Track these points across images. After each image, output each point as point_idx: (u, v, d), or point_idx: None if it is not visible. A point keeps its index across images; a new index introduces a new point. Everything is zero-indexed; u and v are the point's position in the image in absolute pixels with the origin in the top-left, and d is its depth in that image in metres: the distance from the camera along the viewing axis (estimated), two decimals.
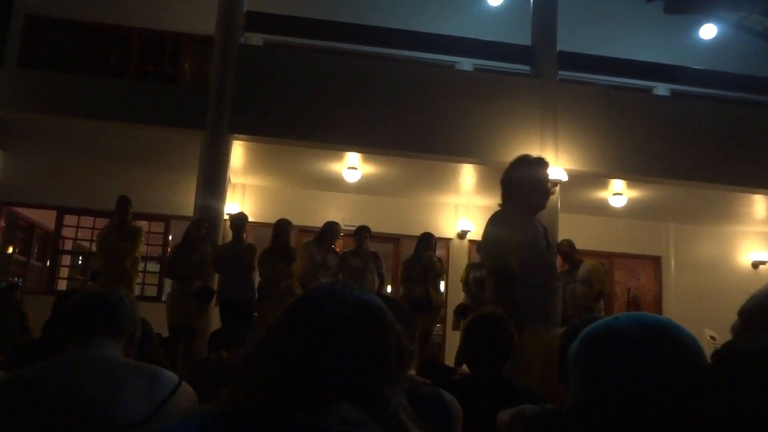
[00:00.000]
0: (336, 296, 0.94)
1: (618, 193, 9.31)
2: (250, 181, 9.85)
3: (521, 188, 3.43)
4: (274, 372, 0.88)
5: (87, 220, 9.60)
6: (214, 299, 6.79)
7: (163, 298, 8.52)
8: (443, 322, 9.10)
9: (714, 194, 9.21)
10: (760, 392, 0.86)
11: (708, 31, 11.86)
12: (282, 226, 6.97)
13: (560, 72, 8.68)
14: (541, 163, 3.47)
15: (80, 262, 10.81)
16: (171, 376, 1.60)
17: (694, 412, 0.90)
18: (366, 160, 8.58)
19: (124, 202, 6.95)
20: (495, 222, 3.44)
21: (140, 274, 7.97)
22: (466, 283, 7.61)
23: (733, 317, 1.37)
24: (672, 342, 0.98)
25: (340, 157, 8.57)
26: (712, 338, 8.75)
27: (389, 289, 9.97)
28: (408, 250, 8.13)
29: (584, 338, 1.03)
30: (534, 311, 3.19)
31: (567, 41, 8.77)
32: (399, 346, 0.95)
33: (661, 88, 10.16)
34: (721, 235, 11.06)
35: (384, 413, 0.86)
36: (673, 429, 0.91)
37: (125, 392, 1.50)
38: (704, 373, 0.95)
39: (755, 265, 11.02)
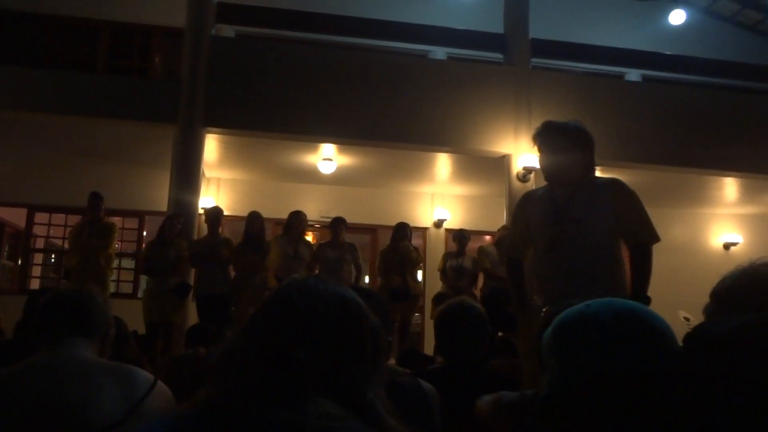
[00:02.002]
0: (310, 291, 0.93)
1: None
2: (225, 174, 9.77)
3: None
4: (250, 369, 0.87)
5: (59, 218, 9.46)
6: (191, 294, 6.74)
7: (139, 295, 8.43)
8: (422, 311, 9.14)
9: (686, 178, 9.34)
10: (730, 373, 0.87)
11: (677, 17, 12.00)
12: (253, 219, 6.93)
13: (533, 59, 8.71)
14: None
15: (53, 260, 10.65)
16: (146, 375, 1.58)
17: (666, 395, 0.91)
18: (341, 151, 8.55)
19: (95, 198, 6.86)
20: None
21: (115, 271, 7.87)
22: (443, 272, 7.64)
23: (706, 299, 1.39)
24: (643, 326, 0.99)
25: (315, 149, 8.53)
26: (686, 319, 8.89)
27: (367, 279, 9.97)
28: (385, 241, 8.13)
29: (557, 325, 1.04)
30: (532, 286, 3.21)
31: (539, 28, 8.80)
32: (375, 338, 0.95)
33: (633, 74, 10.26)
34: (693, 218, 11.24)
35: (361, 406, 0.86)
36: (646, 412, 0.92)
37: (99, 393, 1.48)
38: (675, 356, 0.96)
39: (726, 246, 11.22)
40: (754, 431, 0.84)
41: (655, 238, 3.10)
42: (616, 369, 0.95)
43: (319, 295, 0.93)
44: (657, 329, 0.99)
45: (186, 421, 0.84)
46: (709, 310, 1.35)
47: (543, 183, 8.70)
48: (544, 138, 3.13)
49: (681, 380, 0.91)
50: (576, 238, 3.03)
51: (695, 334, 0.97)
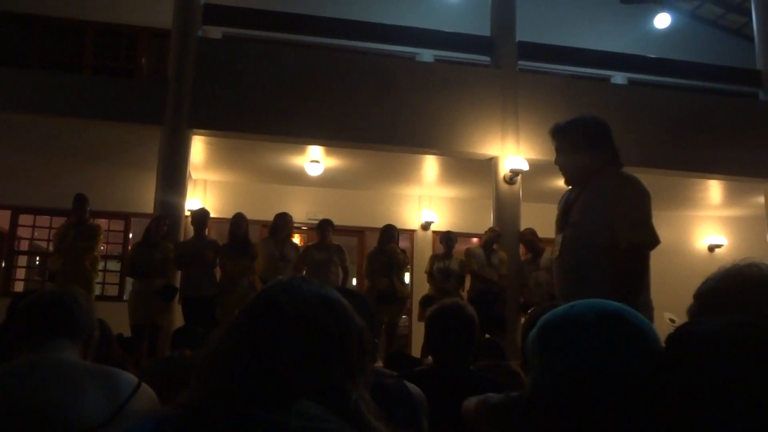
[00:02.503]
0: (294, 292, 0.93)
1: None
2: (212, 176, 9.73)
3: None
4: (234, 370, 0.87)
5: (43, 220, 9.38)
6: (177, 297, 6.70)
7: (125, 297, 8.38)
8: (409, 313, 9.14)
9: (671, 180, 9.40)
10: (712, 373, 0.88)
11: (663, 20, 12.11)
12: (238, 222, 6.91)
13: (520, 62, 8.75)
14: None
15: (37, 262, 10.56)
16: (130, 377, 1.57)
17: (649, 395, 0.92)
18: (328, 153, 8.54)
19: (81, 200, 6.81)
20: None
21: (100, 273, 7.82)
22: (430, 274, 7.65)
23: (691, 301, 1.40)
24: (628, 328, 0.99)
25: (302, 151, 8.52)
26: (672, 321, 8.96)
27: (354, 281, 9.97)
28: (372, 243, 8.13)
29: (541, 326, 1.04)
30: None
31: (526, 31, 8.84)
32: (360, 340, 0.95)
33: (619, 77, 10.32)
34: (678, 221, 11.32)
35: (345, 408, 0.86)
36: (630, 413, 0.92)
37: (83, 396, 1.46)
38: (658, 356, 0.96)
39: (711, 248, 11.32)
40: (736, 429, 0.85)
41: (650, 240, 2.86)
42: (599, 369, 0.95)
43: (304, 296, 0.93)
44: (640, 330, 1.00)
45: (168, 423, 0.84)
46: (692, 311, 1.37)
47: (529, 185, 8.72)
48: (553, 141, 3.07)
49: (664, 380, 0.92)
50: (572, 243, 2.94)
51: (677, 335, 0.98)
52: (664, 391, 0.91)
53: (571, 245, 2.95)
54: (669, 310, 9.00)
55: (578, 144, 2.96)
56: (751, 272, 1.32)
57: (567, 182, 3.08)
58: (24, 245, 9.93)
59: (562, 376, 0.97)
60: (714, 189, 10.06)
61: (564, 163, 3.02)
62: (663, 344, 1.00)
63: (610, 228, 2.82)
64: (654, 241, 2.86)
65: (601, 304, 1.03)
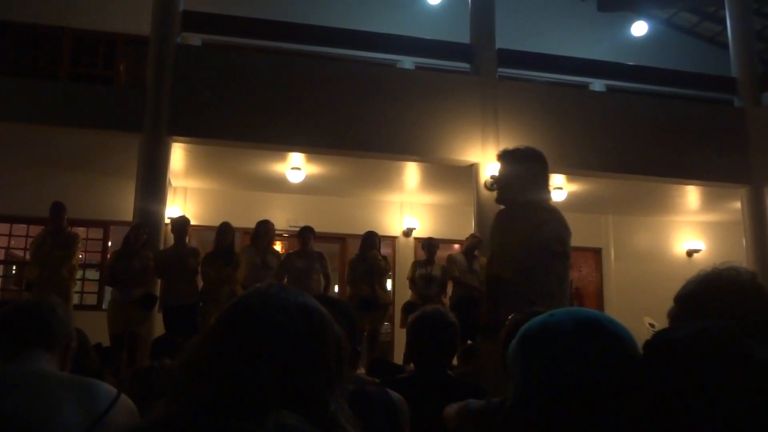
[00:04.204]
0: (271, 300, 0.92)
1: (558, 188, 9.51)
2: (192, 183, 9.67)
3: None
4: (210, 380, 0.86)
5: (20, 228, 9.24)
6: (157, 306, 6.64)
7: (104, 306, 8.28)
8: (391, 320, 9.14)
9: (649, 186, 9.52)
10: (688, 379, 0.89)
11: (639, 28, 12.28)
12: (224, 231, 6.87)
13: (499, 69, 8.81)
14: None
15: (14, 272, 10.40)
16: (108, 388, 1.55)
17: (628, 402, 0.92)
18: (309, 160, 8.52)
19: (58, 208, 6.73)
20: None
21: (78, 282, 7.72)
22: (412, 281, 7.65)
23: (671, 304, 1.41)
24: (606, 335, 1.00)
25: (283, 158, 8.49)
26: (651, 325, 9.04)
27: (336, 288, 9.94)
28: (354, 249, 8.12)
29: (521, 335, 1.05)
30: None
31: (505, 39, 8.90)
32: (338, 348, 0.94)
33: (597, 84, 10.43)
34: (657, 226, 11.44)
35: (323, 417, 0.85)
36: (610, 419, 0.93)
37: (60, 407, 1.44)
38: (636, 363, 0.97)
39: (690, 253, 11.44)
40: None
41: (494, 273, 3.17)
42: (578, 377, 0.96)
43: (281, 304, 0.92)
44: (617, 337, 1.01)
45: None
46: (673, 314, 1.38)
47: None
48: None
49: (642, 387, 0.93)
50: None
51: (654, 341, 0.98)
52: (643, 397, 0.91)
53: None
54: (650, 314, 9.13)
55: (509, 176, 3.42)
56: (730, 275, 1.34)
57: (498, 202, 3.55)
58: (0, 254, 9.79)
59: (542, 385, 0.98)
60: (692, 194, 10.19)
61: (498, 187, 3.52)
62: (641, 350, 1.01)
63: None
64: (495, 274, 3.17)
65: (580, 312, 1.05)
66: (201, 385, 0.86)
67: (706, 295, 1.31)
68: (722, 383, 0.87)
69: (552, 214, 3.32)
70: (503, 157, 3.41)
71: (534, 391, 0.99)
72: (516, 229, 3.18)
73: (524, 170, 3.33)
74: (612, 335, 1.01)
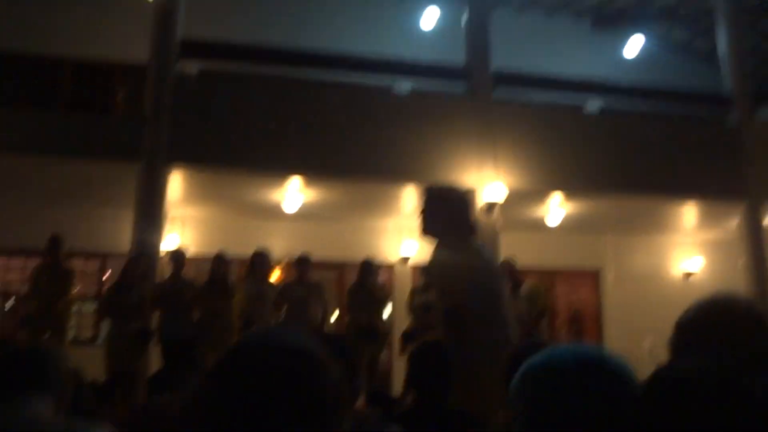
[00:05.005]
0: (268, 345, 0.91)
1: (556, 209, 9.53)
2: (190, 212, 9.65)
3: None
4: (208, 426, 0.85)
5: (17, 262, 9.20)
6: (154, 340, 6.59)
7: (100, 341, 8.21)
8: (390, 348, 9.07)
9: (647, 205, 9.55)
10: (689, 417, 0.89)
11: (633, 48, 12.44)
12: (219, 262, 6.85)
13: (495, 92, 8.87)
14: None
15: (11, 305, 10.31)
16: None
17: None
18: (307, 185, 8.53)
19: (55, 242, 6.72)
20: None
21: (74, 315, 7.67)
22: (411, 308, 7.61)
23: (669, 326, 1.41)
24: (607, 372, 1.00)
25: (280, 184, 8.50)
26: (651, 348, 8.99)
27: (334, 317, 9.89)
28: (352, 277, 8.09)
29: (523, 372, 1.05)
30: None
31: (500, 60, 8.98)
32: (336, 393, 0.93)
33: (593, 105, 10.52)
34: (656, 245, 11.43)
35: None
36: None
37: None
38: (638, 400, 0.97)
39: (688, 273, 11.42)
40: None
41: (449, 304, 3.28)
42: (580, 414, 0.96)
43: (277, 349, 0.91)
44: (620, 375, 1.01)
45: None
46: (673, 343, 1.38)
47: (507, 215, 8.71)
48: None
49: (643, 423, 0.93)
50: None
51: (655, 377, 0.99)
52: None
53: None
54: (648, 336, 9.08)
55: (431, 208, 3.53)
56: (727, 304, 1.34)
57: (423, 236, 3.62)
58: None
59: (545, 422, 0.98)
60: (690, 212, 10.21)
61: (422, 222, 3.56)
62: (641, 382, 1.01)
63: None
64: (451, 305, 3.27)
65: (581, 349, 1.05)
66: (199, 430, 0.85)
67: (705, 325, 1.32)
68: (722, 422, 0.87)
69: (479, 255, 3.51)
70: (427, 193, 3.58)
71: (536, 426, 0.99)
72: (455, 268, 3.34)
73: (445, 209, 3.51)
74: (614, 372, 1.01)
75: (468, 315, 3.24)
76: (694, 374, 0.95)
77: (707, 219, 10.40)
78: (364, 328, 7.17)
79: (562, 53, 11.27)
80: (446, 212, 3.49)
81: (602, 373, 1.00)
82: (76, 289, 7.05)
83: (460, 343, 3.15)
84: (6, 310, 10.23)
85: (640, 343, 8.90)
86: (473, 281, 3.34)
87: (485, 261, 3.54)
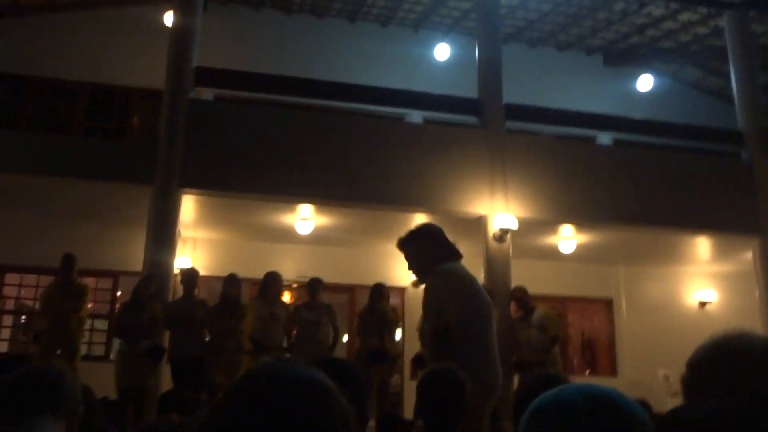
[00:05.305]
0: (278, 377, 0.92)
1: (567, 239, 9.50)
2: (202, 234, 9.71)
3: None
4: None
5: (30, 279, 9.28)
6: (165, 358, 6.60)
7: (112, 357, 8.24)
8: (401, 371, 9.02)
9: (659, 237, 9.50)
10: None
11: (645, 83, 12.42)
12: (231, 282, 6.88)
13: (507, 123, 8.90)
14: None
15: (23, 321, 10.39)
16: None
17: None
18: (318, 211, 8.57)
19: (68, 260, 6.78)
20: None
21: (87, 333, 7.71)
22: (422, 332, 7.58)
23: (684, 355, 1.39)
24: (616, 411, 0.99)
25: (292, 209, 8.54)
26: (666, 378, 8.89)
27: (345, 339, 9.86)
28: (363, 300, 8.08)
29: (533, 409, 1.04)
30: None
31: (512, 94, 9.02)
32: (345, 425, 0.93)
33: (604, 137, 10.51)
34: (669, 276, 11.34)
35: None
36: None
37: None
38: None
39: (702, 304, 11.31)
40: None
41: (439, 326, 3.32)
42: None
43: (288, 382, 0.91)
44: (629, 413, 0.99)
45: None
46: (686, 381, 1.36)
47: (519, 243, 8.70)
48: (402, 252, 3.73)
49: None
50: (420, 330, 3.83)
51: (670, 420, 0.97)
52: None
53: (420, 332, 3.79)
54: (662, 365, 8.98)
55: (414, 252, 3.64)
56: (741, 343, 1.32)
57: (415, 276, 3.71)
58: (9, 304, 9.80)
59: None
60: (703, 245, 10.14)
61: (410, 266, 3.68)
62: (652, 429, 0.99)
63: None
64: (440, 326, 3.32)
65: (592, 387, 1.04)
66: None
67: (718, 364, 1.29)
68: None
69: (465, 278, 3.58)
70: (400, 246, 3.71)
71: None
72: (449, 287, 3.42)
73: (418, 247, 3.63)
74: (624, 411, 0.99)
75: (458, 336, 3.29)
76: (710, 416, 0.93)
77: (721, 251, 10.33)
78: (375, 351, 7.15)
79: (574, 87, 11.31)
80: (428, 247, 3.60)
81: (612, 410, 0.98)
82: (88, 307, 7.08)
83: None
84: (19, 326, 10.32)
85: (654, 372, 8.79)
86: (466, 304, 3.40)
87: (476, 286, 3.60)
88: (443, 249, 3.62)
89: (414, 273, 3.70)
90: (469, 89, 9.05)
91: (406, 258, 3.66)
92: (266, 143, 7.92)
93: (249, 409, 0.89)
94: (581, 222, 8.89)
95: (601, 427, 0.96)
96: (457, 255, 3.65)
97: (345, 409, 0.95)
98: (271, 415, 0.88)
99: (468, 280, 3.56)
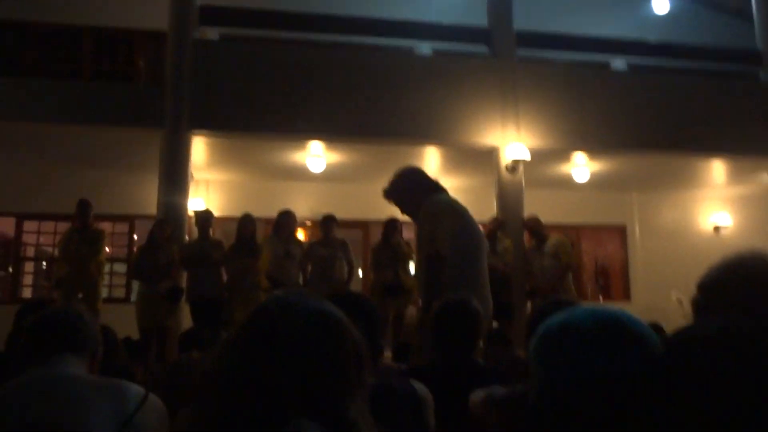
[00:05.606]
0: (290, 310, 0.93)
1: (581, 167, 9.42)
2: (214, 175, 9.73)
3: None
4: (230, 390, 0.87)
5: (48, 225, 9.41)
6: (184, 298, 6.73)
7: (132, 299, 8.41)
8: (416, 304, 9.14)
9: (673, 161, 9.39)
10: (710, 377, 0.88)
11: (661, 5, 12.00)
12: (246, 222, 6.92)
13: (519, 51, 8.71)
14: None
15: (44, 267, 10.60)
16: (136, 389, 1.58)
17: (649, 399, 0.92)
18: (330, 148, 8.53)
19: (84, 206, 6.84)
20: None
21: (107, 276, 7.85)
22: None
23: (697, 280, 1.38)
24: (625, 333, 0.99)
25: (303, 147, 8.51)
26: (679, 301, 8.96)
27: (360, 275, 9.97)
28: (377, 236, 8.14)
29: (541, 335, 1.05)
30: None
31: (523, 21, 8.79)
32: (357, 354, 0.95)
33: (618, 63, 10.27)
34: (682, 201, 11.28)
35: (342, 425, 0.86)
36: (631, 417, 0.92)
37: (90, 411, 1.47)
38: (658, 360, 0.96)
39: (716, 228, 11.28)
40: None
41: (431, 252, 3.48)
42: (598, 375, 0.95)
43: (299, 313, 0.93)
44: (638, 334, 1.00)
45: None
46: (696, 302, 1.36)
47: (531, 173, 8.64)
48: (389, 201, 3.89)
49: (664, 384, 0.92)
50: (416, 257, 3.89)
51: (676, 338, 0.97)
52: (665, 395, 0.91)
53: (416, 259, 3.92)
54: (676, 289, 9.03)
55: (401, 196, 3.80)
56: (755, 263, 1.30)
57: (410, 218, 3.98)
58: (30, 251, 9.98)
59: (562, 383, 0.97)
60: (718, 168, 10.03)
61: (402, 210, 3.90)
62: (666, 334, 1.00)
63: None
64: (432, 253, 3.49)
65: (599, 310, 1.04)
66: (222, 395, 0.87)
67: (729, 284, 1.29)
68: (745, 382, 0.86)
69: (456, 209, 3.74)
70: (386, 196, 3.87)
71: (555, 388, 0.99)
72: (442, 218, 3.58)
73: (402, 191, 3.79)
74: (632, 333, 0.99)
75: (449, 263, 3.42)
76: (716, 334, 0.93)
77: (736, 175, 10.21)
78: (389, 284, 7.25)
79: (588, 11, 10.95)
80: (411, 188, 3.74)
81: (621, 332, 0.99)
82: (106, 251, 7.19)
83: (435, 290, 3.32)
84: (41, 272, 10.52)
85: (668, 296, 8.85)
86: (458, 233, 3.53)
87: (468, 217, 3.70)
88: (426, 186, 3.76)
89: (408, 215, 3.89)
90: (478, 17, 8.83)
91: (396, 205, 3.81)
92: (274, 81, 7.83)
93: (260, 339, 0.90)
94: (595, 149, 8.79)
95: (609, 347, 0.97)
96: (440, 188, 3.78)
97: (356, 339, 0.96)
98: (282, 344, 0.89)
99: (459, 211, 3.67)
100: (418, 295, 3.84)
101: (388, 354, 5.63)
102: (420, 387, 2.02)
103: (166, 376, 3.37)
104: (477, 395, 2.18)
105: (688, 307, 1.32)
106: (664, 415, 0.90)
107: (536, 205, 8.10)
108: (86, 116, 7.49)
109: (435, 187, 3.76)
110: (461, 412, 2.20)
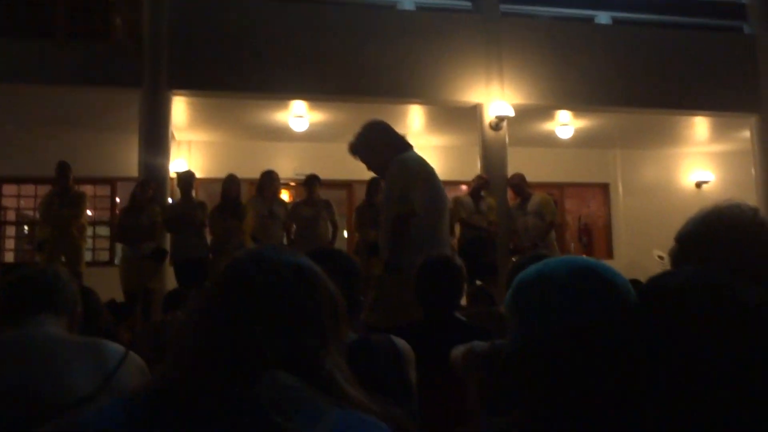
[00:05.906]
0: (264, 262, 0.92)
1: (565, 125, 9.41)
2: (196, 136, 9.63)
3: None
4: (204, 343, 0.87)
5: (28, 189, 9.30)
6: (168, 259, 6.71)
7: (116, 262, 8.38)
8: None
9: (657, 118, 9.41)
10: (680, 326, 0.89)
11: None
12: (230, 183, 6.88)
13: (502, 6, 8.60)
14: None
15: (26, 231, 10.51)
16: (117, 347, 1.57)
17: (622, 348, 0.93)
18: (312, 107, 8.45)
19: (63, 168, 6.75)
20: None
21: (90, 239, 7.79)
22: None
23: (676, 232, 1.38)
24: (598, 282, 0.99)
25: (285, 106, 8.42)
26: (660, 257, 9.07)
27: (345, 235, 9.99)
28: (361, 195, 8.12)
29: (516, 285, 1.05)
30: None
31: None
32: (333, 307, 0.95)
33: (603, 17, 10.17)
34: (665, 159, 11.35)
35: (319, 376, 0.86)
36: (604, 365, 0.94)
37: (69, 370, 1.46)
38: (631, 309, 0.97)
39: (698, 184, 11.37)
40: (705, 381, 0.86)
41: (402, 211, 3.43)
42: (572, 324, 0.96)
43: (274, 266, 0.92)
44: (611, 284, 1.00)
45: (138, 403, 0.84)
46: (674, 254, 1.36)
47: (515, 130, 8.61)
48: (356, 157, 3.76)
49: (637, 332, 0.93)
50: (381, 215, 3.84)
51: (648, 287, 0.98)
52: (638, 343, 0.92)
53: (381, 217, 3.85)
54: (658, 247, 9.13)
55: (369, 151, 3.68)
56: (732, 214, 1.30)
57: (377, 174, 3.95)
58: (11, 215, 9.87)
59: (537, 331, 0.98)
60: (700, 125, 10.06)
61: (368, 166, 3.78)
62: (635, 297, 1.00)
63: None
64: (404, 212, 3.43)
65: (573, 260, 1.04)
66: (196, 349, 0.87)
67: (706, 235, 1.29)
68: (714, 331, 0.87)
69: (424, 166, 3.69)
70: (352, 151, 3.73)
71: (530, 338, 1.00)
72: (410, 175, 3.52)
73: (369, 146, 3.67)
74: (606, 282, 1.00)
75: (422, 223, 3.41)
76: (686, 283, 0.94)
77: (718, 131, 10.27)
78: (373, 243, 7.26)
79: None
80: (378, 144, 3.64)
81: (594, 281, 0.99)
82: (88, 214, 7.13)
83: (400, 251, 3.35)
84: (23, 236, 10.44)
85: (650, 255, 8.95)
86: (426, 193, 3.50)
87: (435, 177, 3.67)
88: (394, 142, 3.68)
89: (374, 172, 3.84)
90: None
91: (363, 160, 3.73)
92: (254, 39, 7.69)
93: (234, 291, 0.90)
94: (579, 106, 8.78)
95: (583, 296, 0.98)
96: (408, 146, 3.70)
97: (332, 292, 0.96)
98: (255, 296, 0.89)
99: (427, 169, 3.64)
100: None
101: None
102: (401, 342, 2.03)
103: (151, 336, 3.38)
104: (458, 350, 2.21)
105: (669, 264, 1.33)
106: (636, 362, 0.91)
107: (519, 163, 8.10)
108: (63, 77, 7.33)
109: (403, 144, 3.68)
110: (444, 367, 2.23)
